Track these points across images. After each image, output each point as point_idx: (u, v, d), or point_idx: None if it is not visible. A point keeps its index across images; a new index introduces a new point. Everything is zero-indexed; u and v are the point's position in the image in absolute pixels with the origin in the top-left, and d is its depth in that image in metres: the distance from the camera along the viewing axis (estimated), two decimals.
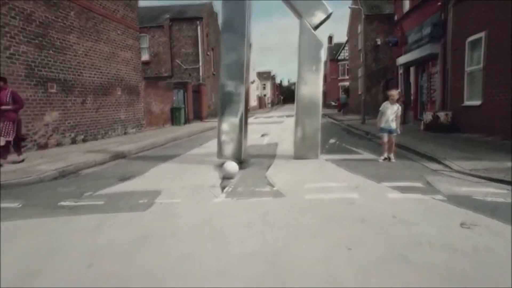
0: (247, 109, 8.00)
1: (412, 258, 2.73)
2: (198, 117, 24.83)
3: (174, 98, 20.87)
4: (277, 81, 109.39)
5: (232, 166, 6.08)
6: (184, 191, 5.21)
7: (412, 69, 16.92)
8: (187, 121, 21.68)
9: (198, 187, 5.41)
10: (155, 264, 2.86)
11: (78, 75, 11.85)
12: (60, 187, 5.87)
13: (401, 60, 17.04)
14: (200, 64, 26.26)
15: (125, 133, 14.81)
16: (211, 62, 29.73)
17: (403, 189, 4.91)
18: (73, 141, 11.55)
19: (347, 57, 40.47)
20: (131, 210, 4.40)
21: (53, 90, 10.63)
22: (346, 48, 41.99)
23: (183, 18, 26.31)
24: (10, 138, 7.53)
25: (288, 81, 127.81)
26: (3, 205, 4.78)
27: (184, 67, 25.98)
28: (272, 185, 5.43)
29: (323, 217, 3.85)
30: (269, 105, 77.99)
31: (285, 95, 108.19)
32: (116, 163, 8.45)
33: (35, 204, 4.82)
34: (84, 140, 12.06)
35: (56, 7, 10.71)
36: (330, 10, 7.81)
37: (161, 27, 25.70)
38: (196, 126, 20.02)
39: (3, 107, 7.32)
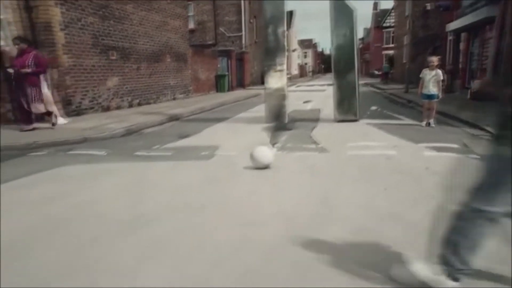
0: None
1: (438, 197, 3.26)
2: (241, 84, 25.48)
3: (219, 65, 21.57)
4: (319, 49, 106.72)
5: (263, 154, 4.60)
6: (239, 146, 5.93)
7: (463, 35, 16.30)
8: (230, 88, 22.42)
9: (251, 143, 6.09)
10: (224, 197, 3.60)
11: (134, 43, 12.76)
12: (130, 142, 6.81)
13: (452, 25, 16.39)
14: (243, 32, 26.56)
15: (174, 99, 15.79)
16: (254, 30, 29.88)
17: (439, 149, 5.33)
18: (130, 105, 12.63)
19: (393, 24, 38.79)
20: (196, 159, 5.19)
21: (114, 57, 11.62)
22: (393, 14, 40.12)
23: None
24: (43, 109, 7.46)
25: (330, 50, 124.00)
26: (93, 152, 5.80)
27: (228, 35, 26.42)
28: (317, 143, 6.03)
29: (364, 168, 4.43)
30: (310, 74, 76.88)
31: (327, 64, 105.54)
32: (172, 124, 9.35)
33: (116, 153, 5.76)
34: (139, 104, 13.13)
35: None
36: None
37: None
38: (239, 93, 20.71)
39: (23, 70, 7.07)
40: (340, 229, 2.71)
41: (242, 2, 26.35)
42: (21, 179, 4.30)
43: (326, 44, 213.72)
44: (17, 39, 7.37)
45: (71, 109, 9.69)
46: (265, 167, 4.52)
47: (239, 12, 26.40)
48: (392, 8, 39.83)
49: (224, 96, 17.95)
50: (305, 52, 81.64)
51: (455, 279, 1.85)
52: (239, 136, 7.00)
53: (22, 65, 7.09)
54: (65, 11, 9.16)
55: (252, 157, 4.54)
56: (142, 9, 13.19)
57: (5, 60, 7.77)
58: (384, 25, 47.44)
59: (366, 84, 26.30)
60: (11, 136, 6.85)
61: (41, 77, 7.72)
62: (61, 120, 8.50)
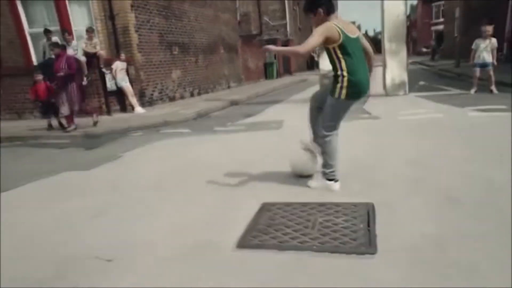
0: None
1: (474, 142, 3.99)
2: (288, 71, 26.24)
3: (267, 54, 22.48)
4: (362, 31, 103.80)
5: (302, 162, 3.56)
6: (302, 119, 6.82)
7: None
8: (278, 75, 23.29)
9: None
10: None
11: (192, 38, 14.03)
12: (204, 122, 7.96)
13: None
14: (287, 19, 27.17)
15: (228, 87, 16.98)
16: (297, 17, 30.36)
17: (485, 110, 5.89)
18: (191, 94, 13.95)
19: None
20: (268, 130, 6.19)
21: (176, 52, 12.95)
22: None
23: None
24: (66, 112, 7.43)
25: (374, 31, 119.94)
26: (179, 130, 7.01)
27: (272, 23, 27.17)
28: (369, 113, 6.79)
29: (412, 127, 5.21)
30: None
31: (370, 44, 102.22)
32: (233, 108, 10.46)
33: (197, 130, 6.92)
34: (199, 94, 14.42)
35: None
36: None
37: None
38: (287, 79, 21.54)
39: (58, 74, 7.20)
40: (395, 161, 3.59)
41: None
42: (140, 147, 5.63)
43: (369, 25, 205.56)
44: (52, 45, 7.69)
45: (145, 100, 11.11)
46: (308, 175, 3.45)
47: (282, 1, 27.02)
48: None
49: (274, 83, 18.89)
50: None
51: (332, 180, 3.04)
52: (299, 113, 7.85)
53: (57, 69, 7.25)
54: (138, 15, 10.54)
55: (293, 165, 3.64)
56: (197, 6, 14.40)
57: (100, 62, 9.32)
58: None
59: (414, 63, 25.88)
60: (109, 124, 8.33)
61: (118, 72, 9.29)
62: (140, 110, 9.95)
